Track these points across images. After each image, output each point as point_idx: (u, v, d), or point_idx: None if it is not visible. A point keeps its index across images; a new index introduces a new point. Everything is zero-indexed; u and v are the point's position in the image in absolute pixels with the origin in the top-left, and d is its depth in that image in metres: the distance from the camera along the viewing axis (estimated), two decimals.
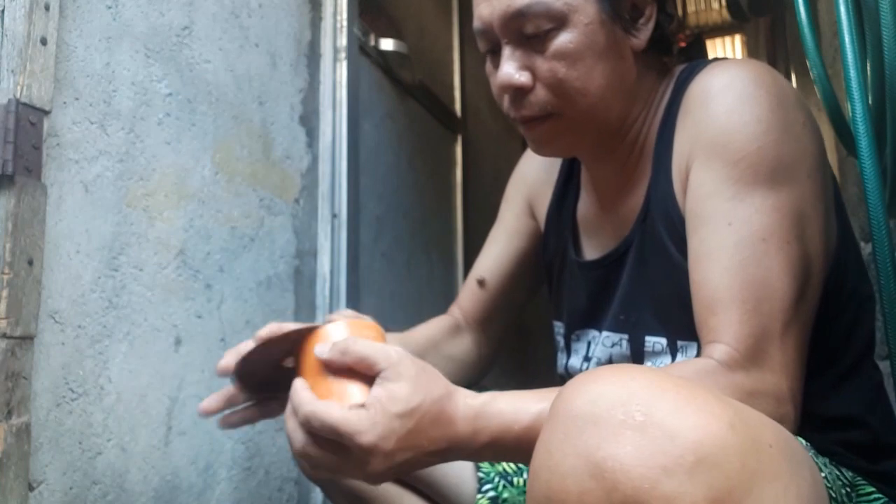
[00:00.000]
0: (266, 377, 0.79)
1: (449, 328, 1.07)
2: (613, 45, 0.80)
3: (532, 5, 0.78)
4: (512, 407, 0.64)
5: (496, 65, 0.83)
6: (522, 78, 0.80)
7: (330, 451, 0.64)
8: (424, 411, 0.63)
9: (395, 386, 0.63)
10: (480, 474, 0.90)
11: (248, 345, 0.79)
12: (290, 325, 0.77)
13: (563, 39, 0.78)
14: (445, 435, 0.64)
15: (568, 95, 0.80)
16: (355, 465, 0.64)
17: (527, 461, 0.65)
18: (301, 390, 0.66)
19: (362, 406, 0.63)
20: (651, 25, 0.83)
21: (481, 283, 1.06)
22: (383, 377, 0.64)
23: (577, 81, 0.79)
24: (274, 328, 0.77)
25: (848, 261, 0.81)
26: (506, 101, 0.84)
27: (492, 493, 0.89)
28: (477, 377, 1.08)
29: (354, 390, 0.66)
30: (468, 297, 1.09)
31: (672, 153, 0.81)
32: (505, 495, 0.89)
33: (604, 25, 0.79)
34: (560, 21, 0.78)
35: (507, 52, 0.81)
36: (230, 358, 0.78)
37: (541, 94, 0.81)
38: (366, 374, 0.66)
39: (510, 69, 0.80)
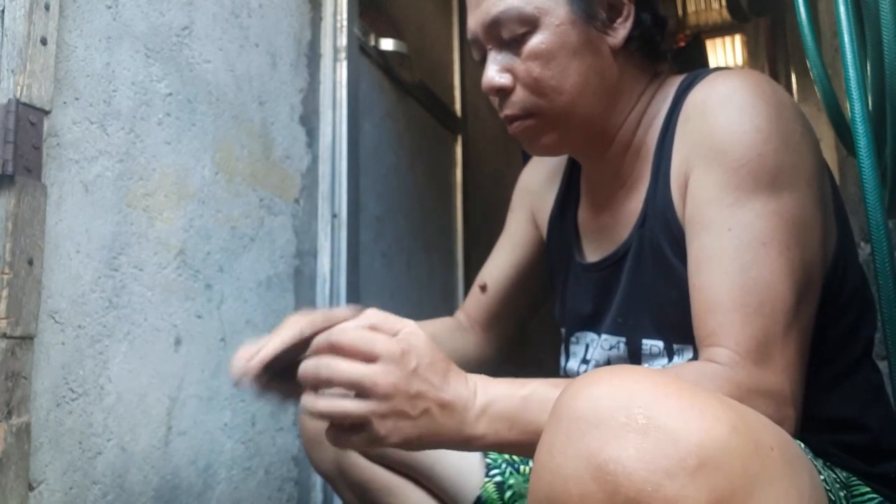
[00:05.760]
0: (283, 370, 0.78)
1: (452, 326, 1.11)
2: (588, 44, 0.83)
3: (505, 11, 0.82)
4: (507, 382, 0.67)
5: None
6: (503, 79, 0.84)
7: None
8: (436, 358, 0.65)
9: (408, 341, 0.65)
10: (488, 460, 0.92)
11: (264, 347, 0.75)
12: (307, 321, 0.76)
13: (536, 41, 0.82)
14: (453, 378, 0.65)
15: (544, 94, 0.83)
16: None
17: (523, 448, 0.64)
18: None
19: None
20: (629, 24, 0.85)
21: (483, 287, 1.10)
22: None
23: (551, 80, 0.82)
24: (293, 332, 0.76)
25: (847, 267, 0.82)
26: (496, 104, 0.88)
27: (498, 479, 0.90)
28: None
29: None
30: (471, 300, 1.12)
31: (671, 160, 0.82)
32: (511, 481, 0.90)
33: (575, 25, 0.82)
34: (532, 24, 0.82)
35: (490, 56, 0.85)
36: (244, 363, 0.74)
37: (520, 93, 0.84)
38: None
39: (492, 72, 0.85)
